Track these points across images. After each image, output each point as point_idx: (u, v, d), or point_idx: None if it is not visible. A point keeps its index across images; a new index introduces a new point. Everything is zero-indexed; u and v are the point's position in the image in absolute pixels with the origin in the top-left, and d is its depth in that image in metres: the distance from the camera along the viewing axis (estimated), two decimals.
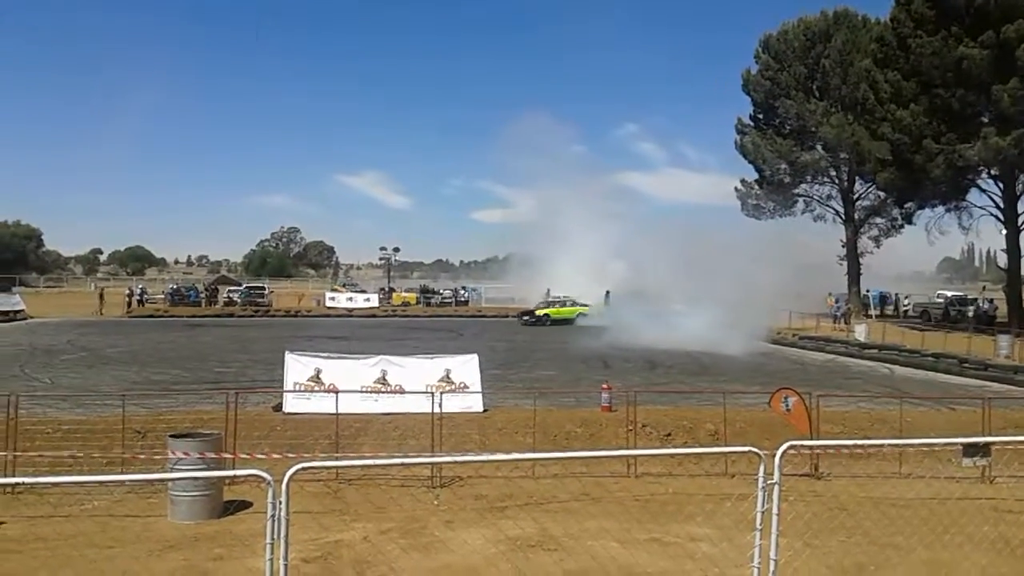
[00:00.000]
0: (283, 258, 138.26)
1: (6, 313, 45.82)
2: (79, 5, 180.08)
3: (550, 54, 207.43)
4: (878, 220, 55.55)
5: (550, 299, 52.43)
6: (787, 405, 13.53)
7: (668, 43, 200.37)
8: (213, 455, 10.64)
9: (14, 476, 11.05)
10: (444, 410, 13.41)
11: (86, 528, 9.77)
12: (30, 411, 14.12)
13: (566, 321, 48.10)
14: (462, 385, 17.21)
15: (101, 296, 56.39)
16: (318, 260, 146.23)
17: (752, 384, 21.79)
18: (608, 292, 51.39)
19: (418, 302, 64.90)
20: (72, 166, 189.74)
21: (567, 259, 65.41)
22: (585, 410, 17.16)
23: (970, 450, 9.07)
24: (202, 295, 62.81)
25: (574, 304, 50.03)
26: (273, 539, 5.18)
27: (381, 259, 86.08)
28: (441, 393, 14.33)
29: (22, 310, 47.99)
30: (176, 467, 10.21)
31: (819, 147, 53.85)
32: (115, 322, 47.74)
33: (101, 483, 10.98)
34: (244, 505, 10.66)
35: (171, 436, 10.89)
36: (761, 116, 55.93)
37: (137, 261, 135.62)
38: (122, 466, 12.06)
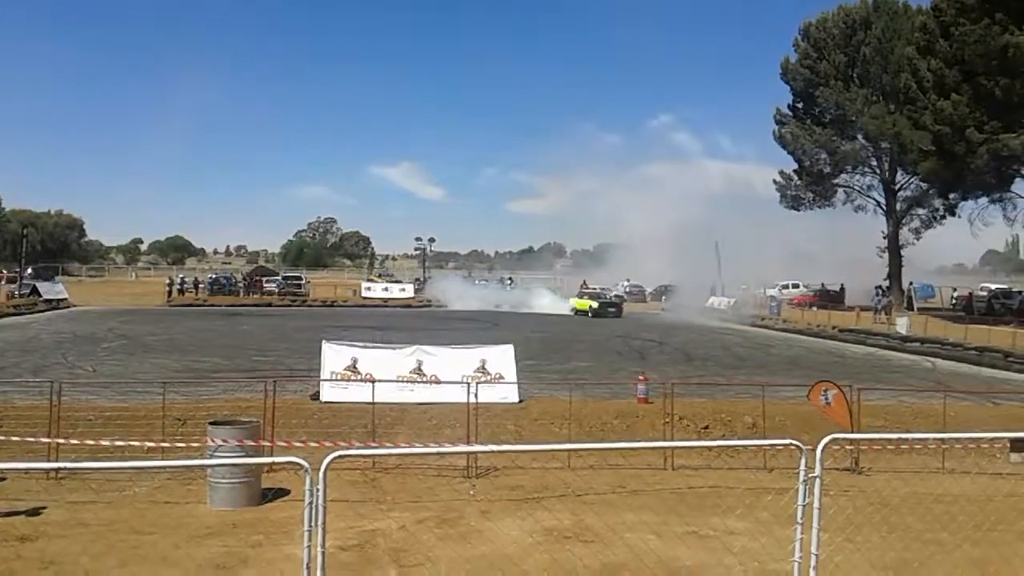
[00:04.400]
0: (320, 248, 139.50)
1: (49, 301, 46.70)
2: (123, 4, 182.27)
3: (584, 46, 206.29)
4: (920, 211, 54.62)
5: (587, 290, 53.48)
6: (827, 398, 13.32)
7: (705, 31, 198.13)
8: (252, 443, 10.71)
9: (56, 462, 11.20)
10: (479, 400, 13.37)
11: (127, 514, 9.89)
12: (73, 398, 14.34)
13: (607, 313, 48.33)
14: (498, 375, 17.17)
15: (171, 285, 57.53)
16: (354, 250, 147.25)
17: (791, 377, 21.56)
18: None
19: None
20: (114, 157, 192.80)
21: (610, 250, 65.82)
22: (621, 401, 17.04)
23: (1018, 445, 8.85)
24: (239, 284, 63.46)
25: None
26: (311, 526, 5.18)
27: (416, 249, 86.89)
28: (476, 383, 14.27)
29: (65, 298, 48.88)
30: (215, 454, 10.28)
31: (859, 137, 53.06)
32: (156, 311, 48.44)
33: (142, 469, 11.10)
34: (282, 492, 10.73)
35: (211, 423, 10.98)
36: (800, 105, 55.24)
37: (177, 251, 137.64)
38: (162, 453, 12.18)
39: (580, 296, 52.77)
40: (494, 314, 50.50)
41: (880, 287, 51.33)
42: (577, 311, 50.19)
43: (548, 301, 57.11)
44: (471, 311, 52.99)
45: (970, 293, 51.97)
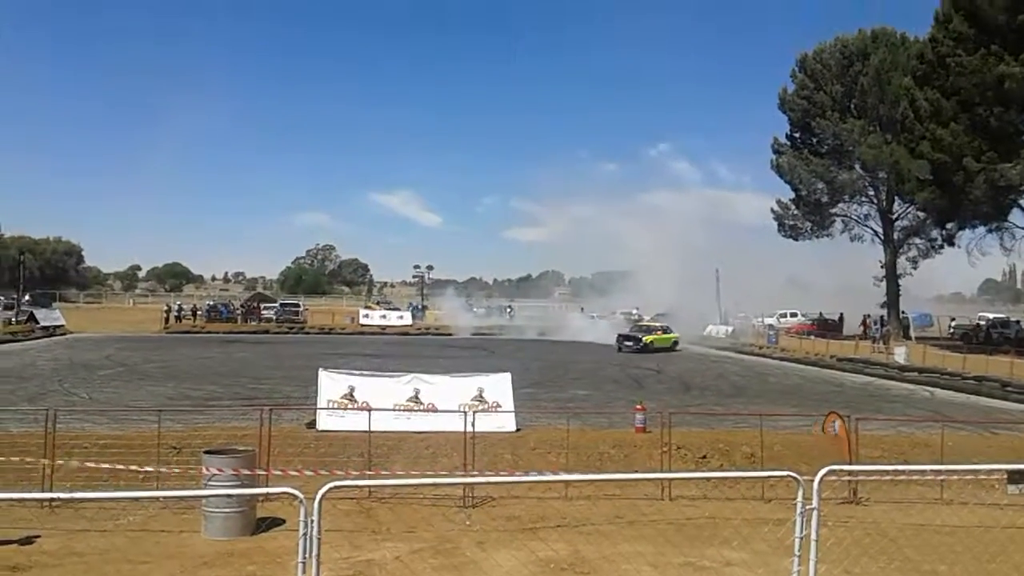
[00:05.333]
0: (318, 275, 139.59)
1: (47, 328, 46.64)
2: (122, 30, 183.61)
3: (584, 74, 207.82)
4: (917, 241, 54.80)
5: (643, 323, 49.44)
6: (835, 429, 13.32)
7: (702, 61, 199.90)
8: (247, 471, 10.65)
9: (51, 491, 11.13)
10: (476, 429, 13.33)
11: (121, 543, 9.81)
12: (68, 425, 14.28)
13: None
14: (495, 404, 17.12)
15: (168, 312, 57.72)
16: (352, 277, 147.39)
17: (789, 407, 21.52)
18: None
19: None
20: (113, 184, 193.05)
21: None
22: (619, 431, 17.00)
23: (1015, 476, 8.81)
24: (237, 312, 63.42)
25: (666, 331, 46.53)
26: (305, 557, 5.16)
27: (415, 277, 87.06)
28: (474, 412, 14.23)
29: (62, 325, 48.83)
30: (210, 483, 10.22)
31: (857, 167, 53.32)
32: (153, 338, 48.37)
33: (136, 499, 11.03)
34: (277, 522, 10.66)
35: (206, 452, 10.93)
36: (798, 135, 55.57)
37: (175, 277, 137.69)
38: (157, 481, 12.11)
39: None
40: (490, 341, 50.38)
41: (867, 316, 51.39)
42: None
43: (589, 325, 55.86)
44: (475, 339, 52.90)
45: (977, 324, 51.77)
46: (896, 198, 52.83)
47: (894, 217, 54.17)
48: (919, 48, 44.54)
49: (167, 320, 56.74)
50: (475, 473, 12.68)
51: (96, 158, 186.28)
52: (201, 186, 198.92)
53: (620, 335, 45.98)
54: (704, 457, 15.21)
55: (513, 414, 17.02)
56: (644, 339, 44.24)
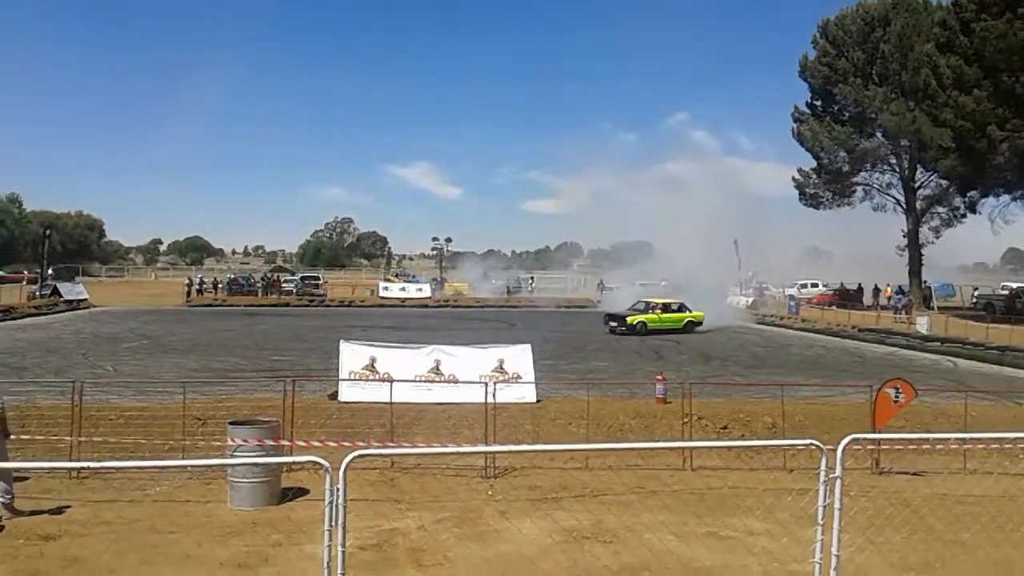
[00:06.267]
0: (337, 248, 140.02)
1: (70, 302, 47.10)
2: (142, 3, 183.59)
3: (601, 43, 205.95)
4: (940, 209, 54.15)
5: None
6: (896, 396, 13.21)
7: (721, 30, 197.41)
8: (271, 442, 10.76)
9: (79, 461, 11.31)
10: (497, 400, 13.39)
11: (148, 513, 9.97)
12: (93, 398, 14.45)
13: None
14: (515, 375, 17.19)
15: (189, 286, 58.08)
16: (371, 250, 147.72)
17: (810, 377, 21.45)
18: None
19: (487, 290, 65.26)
20: (134, 158, 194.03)
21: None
22: (639, 401, 17.01)
23: None
24: (257, 285, 63.73)
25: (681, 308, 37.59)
26: (331, 526, 5.20)
27: (433, 249, 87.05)
28: (494, 383, 14.29)
29: (86, 299, 49.28)
30: (236, 454, 10.34)
31: (878, 134, 52.66)
32: (175, 311, 48.75)
33: (164, 469, 11.18)
34: (301, 492, 10.78)
35: (231, 423, 11.04)
36: (819, 103, 54.84)
37: (196, 251, 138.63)
38: (183, 452, 12.27)
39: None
40: (510, 313, 50.36)
41: (888, 285, 50.90)
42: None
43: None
44: (495, 311, 52.90)
45: (1012, 292, 50.81)
46: (919, 166, 52.16)
47: (916, 185, 53.51)
48: (942, 14, 43.74)
49: (188, 293, 57.09)
50: (497, 444, 12.74)
51: (117, 132, 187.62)
52: (221, 160, 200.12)
53: (607, 315, 38.45)
54: (725, 427, 15.21)
55: (533, 385, 17.09)
56: (630, 319, 36.13)
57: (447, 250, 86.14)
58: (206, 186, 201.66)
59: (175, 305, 52.38)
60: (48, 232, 66.03)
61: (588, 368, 24.16)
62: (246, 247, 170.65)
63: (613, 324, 36.53)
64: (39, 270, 57.63)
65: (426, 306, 57.23)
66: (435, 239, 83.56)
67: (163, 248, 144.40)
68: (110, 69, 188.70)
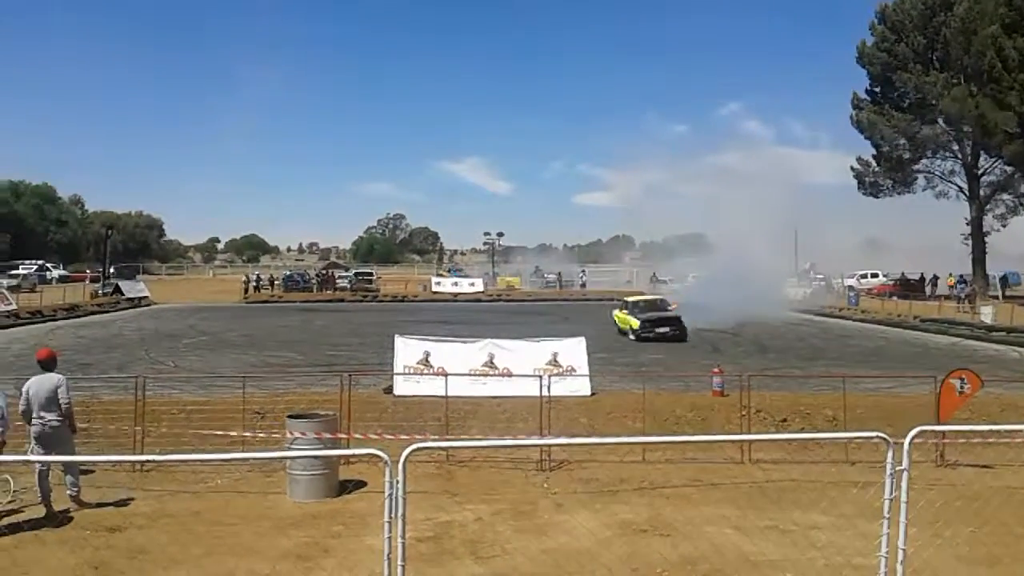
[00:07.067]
0: (389, 244, 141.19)
1: (132, 299, 48.26)
2: (197, 2, 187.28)
3: (649, 34, 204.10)
4: (1005, 196, 52.69)
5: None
6: (961, 387, 12.90)
7: (773, 16, 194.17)
8: (329, 435, 10.86)
9: (143, 454, 11.55)
10: (552, 393, 13.34)
11: (211, 505, 10.14)
12: (156, 392, 14.75)
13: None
14: (569, 368, 17.12)
15: (247, 283, 59.20)
16: (423, 246, 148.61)
17: (871, 369, 20.99)
18: None
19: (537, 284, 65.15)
20: (191, 158, 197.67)
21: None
22: (695, 394, 16.83)
23: None
24: (312, 281, 64.52)
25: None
26: (391, 517, 5.21)
27: (485, 244, 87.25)
28: (549, 376, 14.24)
29: (147, 296, 50.45)
30: (294, 446, 10.45)
31: (940, 121, 51.35)
32: (233, 307, 49.62)
33: (226, 461, 11.35)
34: (359, 485, 10.86)
35: (290, 416, 11.16)
36: (878, 90, 53.77)
37: (252, 249, 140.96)
38: (243, 445, 12.44)
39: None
40: (563, 306, 50.16)
41: (936, 277, 49.67)
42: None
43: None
44: (547, 304, 52.78)
45: None
46: (982, 152, 50.80)
47: (980, 172, 52.10)
48: None
49: (246, 290, 58.10)
50: (552, 436, 12.69)
51: (174, 132, 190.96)
52: (274, 158, 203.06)
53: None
54: (784, 420, 14.95)
55: (588, 378, 17.00)
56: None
57: (499, 244, 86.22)
58: (260, 184, 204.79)
59: (233, 302, 53.33)
60: (110, 232, 67.67)
61: (641, 361, 23.96)
62: (300, 244, 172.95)
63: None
64: (101, 269, 59.13)
65: (479, 300, 57.43)
66: (487, 234, 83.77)
67: (220, 246, 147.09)
68: (166, 72, 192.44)
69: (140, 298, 49.47)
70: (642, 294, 42.24)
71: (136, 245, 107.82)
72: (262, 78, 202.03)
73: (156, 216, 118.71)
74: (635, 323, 30.47)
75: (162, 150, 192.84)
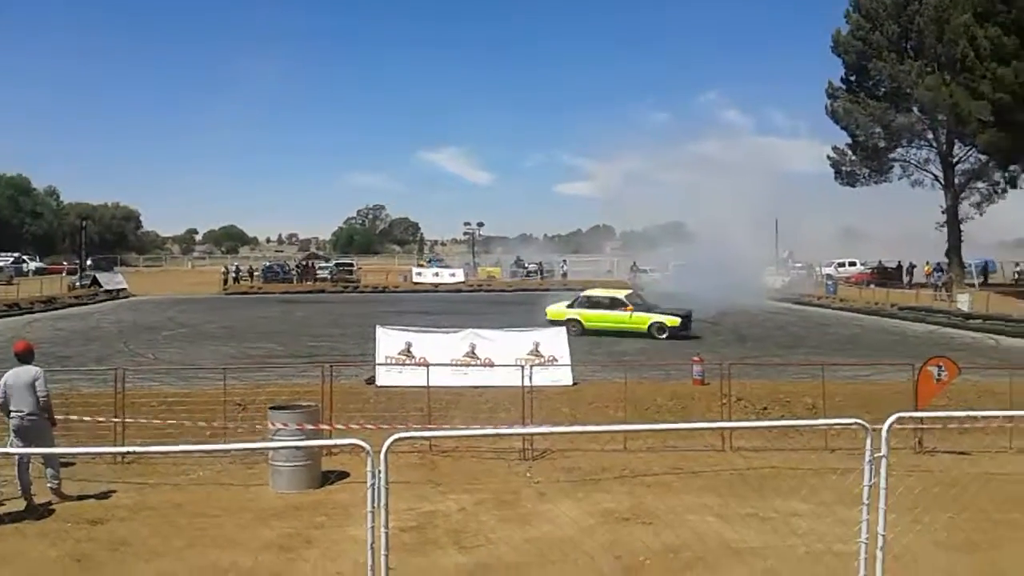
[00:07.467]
0: (369, 235, 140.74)
1: (110, 291, 47.83)
2: None
3: (629, 24, 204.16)
4: (980, 184, 53.22)
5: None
6: (939, 374, 13.07)
7: (752, 5, 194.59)
8: (311, 426, 10.84)
9: (123, 446, 11.48)
10: (533, 383, 13.38)
11: (193, 497, 10.10)
12: (136, 384, 14.66)
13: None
14: (551, 358, 17.15)
15: (226, 274, 58.80)
16: (403, 236, 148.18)
17: (849, 357, 21.17)
18: None
19: (515, 275, 65.11)
20: (168, 150, 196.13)
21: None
22: (676, 383, 16.91)
23: None
24: (292, 272, 64.22)
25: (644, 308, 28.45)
26: (373, 507, 5.21)
27: (465, 234, 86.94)
28: (530, 366, 14.28)
29: (125, 288, 50.00)
30: (277, 437, 10.43)
31: (915, 109, 51.71)
32: (212, 299, 49.29)
33: (208, 452, 11.32)
34: (342, 475, 10.85)
35: (271, 408, 11.14)
36: (853, 78, 54.00)
37: (230, 240, 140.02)
38: (224, 437, 12.40)
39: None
40: (544, 296, 50.14)
41: (912, 265, 50.18)
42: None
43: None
44: (528, 295, 52.69)
45: None
46: (956, 141, 51.25)
47: (955, 161, 52.55)
48: None
49: (225, 282, 57.67)
50: (535, 426, 12.74)
51: (151, 124, 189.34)
52: (252, 149, 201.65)
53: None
54: (765, 408, 15.08)
55: (570, 368, 17.05)
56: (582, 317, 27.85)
57: (479, 235, 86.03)
58: (239, 175, 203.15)
59: (212, 293, 52.94)
60: (85, 223, 67.04)
61: (622, 351, 24.04)
62: (280, 235, 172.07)
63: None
64: (78, 261, 58.50)
65: (459, 291, 57.32)
66: (467, 224, 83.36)
67: (199, 237, 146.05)
68: (141, 60, 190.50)
69: (118, 290, 49.01)
70: (624, 285, 41.93)
71: (113, 237, 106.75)
72: (241, 69, 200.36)
73: (133, 207, 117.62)
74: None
75: (138, 141, 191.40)
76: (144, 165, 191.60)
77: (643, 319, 27.58)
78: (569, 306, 28.62)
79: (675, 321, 27.27)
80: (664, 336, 26.97)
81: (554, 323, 24.80)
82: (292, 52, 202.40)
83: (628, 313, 27.71)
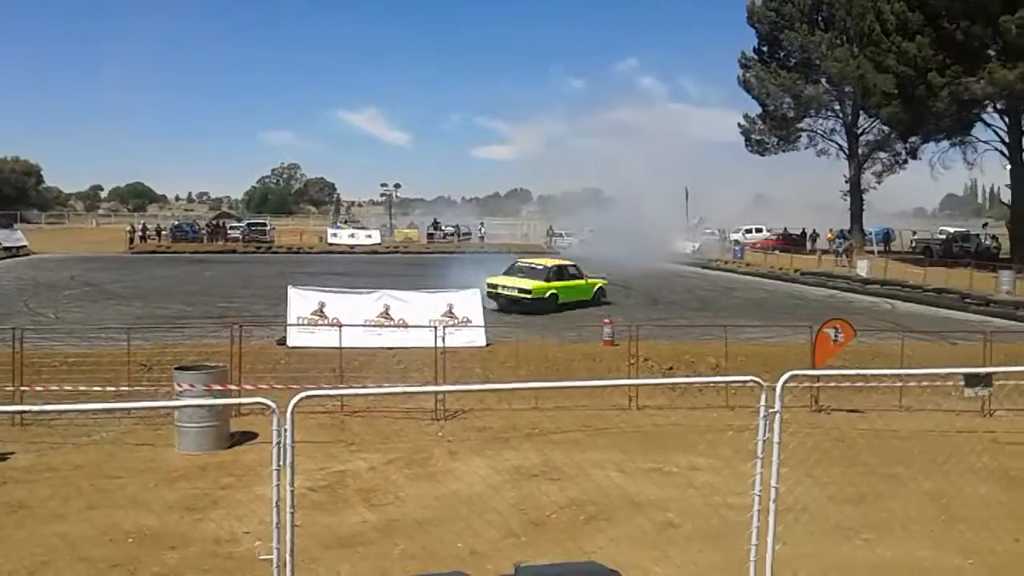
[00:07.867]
0: (284, 195, 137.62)
1: (9, 249, 45.84)
2: None
3: None
4: (882, 155, 55.01)
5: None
6: (836, 336, 13.63)
7: None
8: (219, 387, 10.72)
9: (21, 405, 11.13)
10: (447, 344, 13.47)
11: (95, 458, 9.90)
12: (36, 345, 14.19)
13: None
14: (465, 319, 17.26)
15: (132, 233, 56.64)
16: (319, 197, 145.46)
17: (753, 319, 21.85)
18: None
19: (432, 237, 64.75)
20: (72, 103, 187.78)
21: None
22: (587, 344, 17.24)
23: (972, 380, 9.14)
24: (202, 231, 62.57)
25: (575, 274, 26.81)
26: (279, 466, 5.21)
27: (382, 196, 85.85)
28: (444, 327, 14.36)
29: (24, 246, 48.00)
30: (182, 398, 10.28)
31: (823, 81, 53.04)
32: (118, 258, 47.72)
33: (109, 411, 11.06)
34: (250, 436, 10.79)
35: (177, 368, 10.96)
36: (766, 49, 55.00)
37: (138, 197, 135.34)
38: (129, 398, 12.13)
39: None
40: (460, 259, 50.20)
41: (816, 232, 51.86)
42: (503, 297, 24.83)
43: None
44: (444, 257, 52.58)
45: (949, 236, 51.72)
46: (861, 112, 52.83)
47: (859, 132, 54.21)
48: None
49: (132, 240, 55.76)
50: (446, 385, 12.86)
51: (54, 75, 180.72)
52: (162, 105, 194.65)
53: (490, 284, 25.22)
54: (671, 368, 15.53)
55: (483, 329, 17.19)
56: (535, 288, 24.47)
57: (396, 196, 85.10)
58: (148, 131, 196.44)
59: (118, 252, 51.17)
60: None
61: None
62: (190, 193, 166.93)
63: (507, 295, 24.78)
64: None
65: (376, 252, 56.76)
66: (384, 185, 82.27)
67: (104, 194, 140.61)
68: (44, 11, 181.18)
69: (17, 247, 46.97)
70: (542, 251, 41.45)
71: (13, 192, 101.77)
72: (152, 22, 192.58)
73: (34, 162, 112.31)
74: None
75: (40, 92, 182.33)
76: (45, 117, 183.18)
77: (592, 284, 26.94)
78: (547, 280, 25.40)
79: (605, 283, 27.30)
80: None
81: (537, 300, 24.10)
82: (208, 6, 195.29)
83: (585, 281, 26.80)
